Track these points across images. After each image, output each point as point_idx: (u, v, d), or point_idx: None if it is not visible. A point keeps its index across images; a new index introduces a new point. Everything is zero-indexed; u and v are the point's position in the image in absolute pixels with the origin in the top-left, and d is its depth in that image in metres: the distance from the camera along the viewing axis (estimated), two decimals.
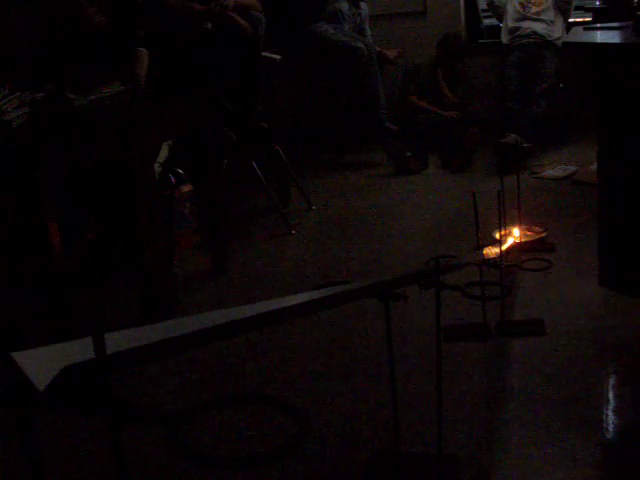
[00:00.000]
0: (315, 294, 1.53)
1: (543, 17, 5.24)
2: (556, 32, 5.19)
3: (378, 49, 5.42)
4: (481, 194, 2.84)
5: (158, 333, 1.13)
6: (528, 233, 3.47)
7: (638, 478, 1.93)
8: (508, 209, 2.92)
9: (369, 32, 5.57)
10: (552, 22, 5.22)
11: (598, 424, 2.13)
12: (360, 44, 5.17)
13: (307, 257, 3.67)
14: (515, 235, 3.32)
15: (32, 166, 2.39)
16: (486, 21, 5.91)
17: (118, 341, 1.03)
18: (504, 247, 2.95)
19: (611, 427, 2.13)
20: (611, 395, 2.31)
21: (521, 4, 5.30)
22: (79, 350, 0.99)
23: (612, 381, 2.41)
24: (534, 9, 5.26)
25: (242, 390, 2.50)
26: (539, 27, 5.21)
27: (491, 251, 2.85)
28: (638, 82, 2.41)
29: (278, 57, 4.55)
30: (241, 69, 4.20)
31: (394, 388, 1.82)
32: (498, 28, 5.55)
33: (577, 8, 5.47)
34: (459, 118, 5.22)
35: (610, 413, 2.19)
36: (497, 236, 3.00)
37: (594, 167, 4.03)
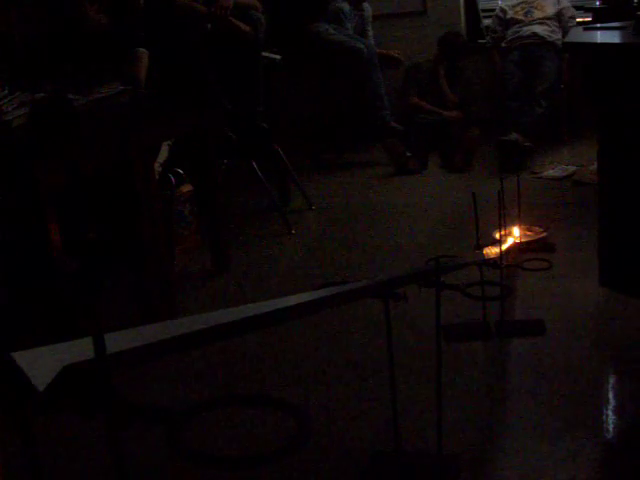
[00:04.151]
0: (315, 294, 1.53)
1: (545, 22, 5.24)
2: (556, 33, 5.19)
3: (382, 51, 5.43)
4: (481, 194, 2.84)
5: (158, 333, 1.13)
6: (528, 233, 3.47)
7: (638, 478, 1.93)
8: (508, 209, 2.92)
9: (371, 33, 5.57)
10: (553, 25, 5.23)
11: (598, 424, 2.13)
12: (360, 44, 5.16)
13: (307, 257, 3.67)
14: (515, 235, 3.32)
15: (32, 166, 2.39)
16: (486, 21, 5.90)
17: (118, 341, 1.04)
18: (504, 247, 2.95)
19: (611, 427, 2.13)
20: (611, 395, 2.31)
21: (523, 10, 5.29)
22: (79, 350, 0.99)
23: (612, 381, 2.41)
24: (537, 14, 5.26)
25: (242, 390, 2.50)
26: (540, 29, 5.21)
27: (491, 251, 2.86)
28: (638, 82, 2.41)
29: (278, 57, 4.55)
30: (241, 69, 4.20)
31: (394, 388, 1.82)
32: None
33: (577, 8, 5.45)
34: (460, 118, 5.22)
35: (610, 413, 2.19)
36: (497, 236, 3.00)
37: (594, 167, 4.03)
